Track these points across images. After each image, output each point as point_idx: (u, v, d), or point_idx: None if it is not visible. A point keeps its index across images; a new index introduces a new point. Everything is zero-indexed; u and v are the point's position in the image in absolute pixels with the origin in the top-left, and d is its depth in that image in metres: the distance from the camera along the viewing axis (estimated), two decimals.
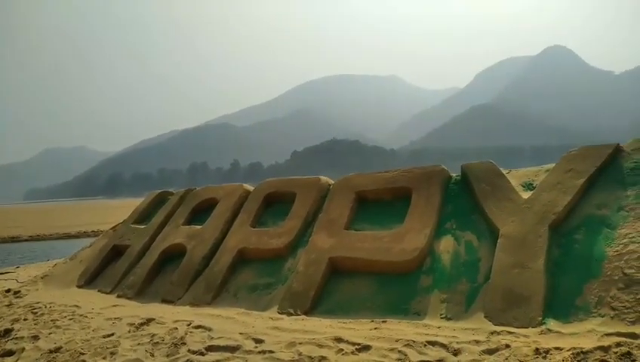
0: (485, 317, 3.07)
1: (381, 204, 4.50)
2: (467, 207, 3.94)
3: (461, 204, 4.00)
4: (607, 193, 3.40)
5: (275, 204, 5.29)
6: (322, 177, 5.10)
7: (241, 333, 3.36)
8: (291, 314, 3.80)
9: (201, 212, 5.85)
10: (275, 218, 5.06)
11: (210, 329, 3.51)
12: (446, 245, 3.76)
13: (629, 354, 2.35)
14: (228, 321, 3.76)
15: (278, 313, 3.89)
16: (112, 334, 3.67)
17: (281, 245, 4.53)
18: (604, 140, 4.37)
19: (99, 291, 5.56)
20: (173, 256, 5.35)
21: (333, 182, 5.04)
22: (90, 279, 5.97)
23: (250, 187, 5.71)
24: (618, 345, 2.45)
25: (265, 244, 4.66)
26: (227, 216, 5.31)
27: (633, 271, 2.87)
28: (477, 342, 2.77)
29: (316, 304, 3.87)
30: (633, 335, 2.51)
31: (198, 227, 5.45)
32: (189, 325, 3.66)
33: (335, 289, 3.96)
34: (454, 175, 4.26)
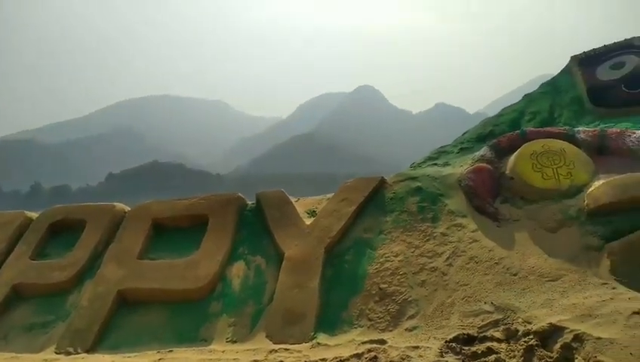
0: (266, 336, 3.28)
1: (179, 231, 4.47)
2: (259, 232, 4.18)
3: (254, 230, 4.21)
4: (372, 219, 3.97)
5: (62, 233, 4.83)
6: (118, 204, 4.85)
7: None
8: (70, 353, 3.50)
9: None
10: (60, 249, 4.61)
11: None
12: (237, 270, 3.91)
13: (375, 358, 2.76)
14: None
15: (55, 353, 3.55)
16: None
17: (64, 278, 4.14)
18: (401, 168, 5.05)
19: None
20: None
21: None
22: None
23: (33, 214, 5.12)
24: (369, 351, 2.85)
25: (45, 279, 4.21)
26: (1, 248, 4.65)
27: (386, 285, 3.39)
28: (255, 361, 2.94)
29: (100, 340, 3.64)
30: (381, 341, 2.95)
31: None
32: None
33: (123, 323, 3.77)
34: (250, 202, 4.48)
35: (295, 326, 3.26)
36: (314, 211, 4.24)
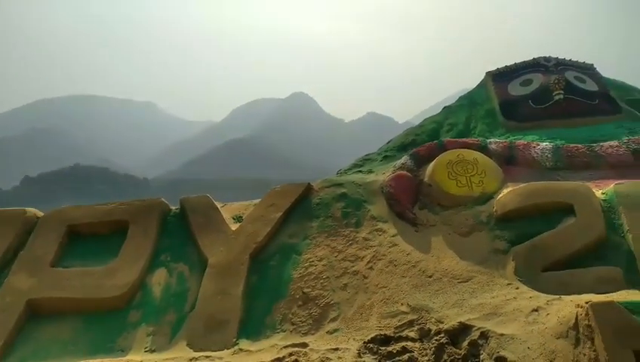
0: (187, 345, 3.21)
1: (97, 238, 4.27)
2: (183, 239, 4.09)
3: (177, 236, 4.12)
4: (298, 224, 4.02)
5: None
6: (30, 209, 4.54)
7: None
8: None
9: None
10: None
11: None
12: (159, 278, 3.80)
13: (296, 361, 2.81)
14: None
15: None
16: None
17: None
18: (333, 175, 5.12)
19: None
20: None
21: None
22: None
23: None
24: (290, 354, 2.89)
25: None
26: None
27: (309, 289, 3.45)
28: None
29: (5, 355, 3.39)
30: (303, 345, 3.00)
31: None
32: None
33: (32, 336, 3.54)
34: (174, 208, 4.38)
35: (217, 333, 3.23)
36: (240, 217, 4.22)
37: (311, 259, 3.68)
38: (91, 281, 3.72)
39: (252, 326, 3.30)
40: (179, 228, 4.18)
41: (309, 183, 4.37)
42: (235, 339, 3.17)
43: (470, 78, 5.94)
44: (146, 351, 3.25)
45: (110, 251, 4.04)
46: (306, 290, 3.45)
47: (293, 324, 3.26)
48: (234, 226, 4.04)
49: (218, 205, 4.31)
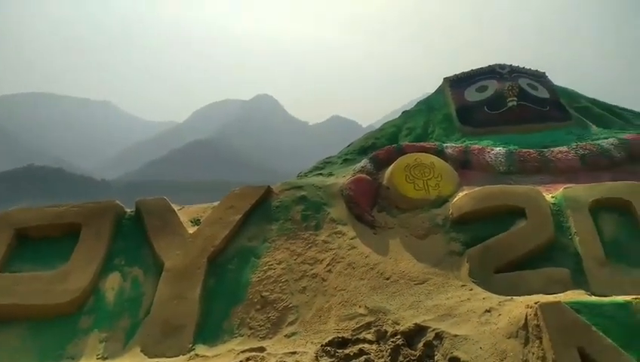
0: (141, 351, 3.13)
1: (47, 241, 4.09)
2: (138, 242, 3.98)
3: (133, 240, 4.00)
4: (258, 227, 3.99)
5: None
6: None
7: None
8: None
9: None
10: None
11: None
12: (112, 282, 3.69)
13: None
14: None
15: None
16: None
17: None
18: (294, 177, 5.09)
19: None
20: None
21: None
22: None
23: None
24: (247, 359, 2.87)
25: None
26: None
27: (268, 293, 3.43)
28: None
29: None
30: (260, 349, 2.98)
31: None
32: None
33: None
34: (129, 210, 4.26)
35: (173, 339, 3.16)
36: (198, 220, 4.14)
37: (270, 263, 3.66)
38: (41, 286, 3.57)
39: (209, 331, 3.25)
40: (134, 232, 4.07)
41: (268, 186, 4.34)
42: (191, 345, 3.11)
43: (435, 83, 6.09)
44: (98, 358, 3.15)
45: (61, 255, 3.89)
46: (264, 294, 3.43)
47: (250, 328, 3.23)
48: (191, 229, 3.97)
49: (175, 208, 4.22)
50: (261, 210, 4.14)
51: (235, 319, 3.32)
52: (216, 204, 4.30)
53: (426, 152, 4.44)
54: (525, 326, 2.52)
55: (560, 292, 2.90)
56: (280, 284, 3.49)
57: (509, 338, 2.57)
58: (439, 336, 2.77)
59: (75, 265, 3.72)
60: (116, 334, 3.33)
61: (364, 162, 4.55)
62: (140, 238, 3.99)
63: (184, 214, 4.23)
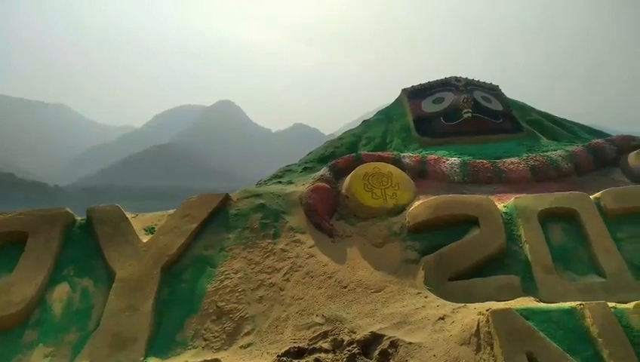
0: None
1: None
2: (89, 251, 3.83)
3: (83, 249, 3.85)
4: (214, 236, 3.92)
5: None
6: None
7: None
8: None
9: None
10: None
11: None
12: (60, 293, 3.53)
13: None
14: None
15: None
16: None
17: None
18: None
19: None
20: None
21: None
22: None
23: None
24: None
25: None
26: None
27: (224, 303, 3.37)
28: None
29: None
30: (215, 361, 2.92)
31: None
32: None
33: None
34: (79, 218, 4.10)
35: (123, 352, 3.04)
36: (152, 228, 4.04)
37: (226, 272, 3.60)
38: None
39: (161, 344, 3.15)
40: (85, 241, 3.91)
41: (227, 194, 4.28)
42: (142, 358, 3.01)
43: (396, 94, 6.18)
44: None
45: (5, 266, 3.70)
46: (220, 304, 3.36)
47: (205, 340, 3.16)
48: (145, 238, 3.85)
49: (129, 216, 4.09)
50: (219, 218, 4.08)
51: (189, 330, 3.24)
52: (171, 211, 4.20)
53: (384, 161, 4.50)
54: (477, 332, 2.57)
55: (511, 299, 2.98)
56: (236, 294, 3.43)
57: (461, 345, 2.62)
58: (394, 344, 2.79)
59: (19, 276, 3.54)
60: (62, 348, 3.18)
61: (323, 170, 4.57)
62: (91, 248, 3.84)
63: (138, 222, 4.11)
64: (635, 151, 4.61)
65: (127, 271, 3.53)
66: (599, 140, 5.01)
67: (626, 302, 2.66)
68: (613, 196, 3.74)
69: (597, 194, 3.79)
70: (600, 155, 4.71)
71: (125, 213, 4.08)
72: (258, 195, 4.32)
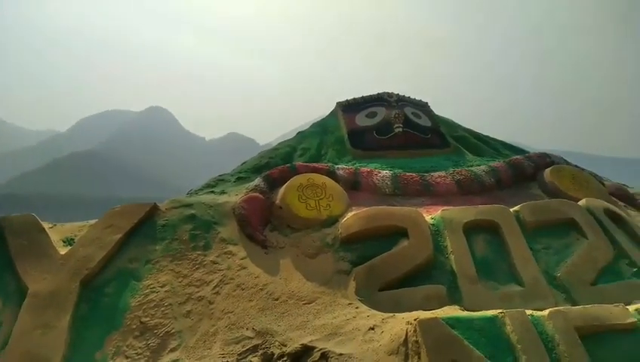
0: None
1: None
2: (0, 265, 3.53)
3: None
4: (140, 247, 3.74)
5: None
6: None
7: None
8: None
9: None
10: None
11: None
12: None
13: None
14: None
15: None
16: None
17: None
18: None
19: None
20: None
21: None
22: None
23: None
24: None
25: None
26: None
27: (148, 318, 3.21)
28: None
29: None
30: None
31: None
32: None
33: None
34: None
35: None
36: (72, 239, 3.78)
37: (152, 286, 3.44)
38: None
39: None
40: None
41: (154, 203, 4.11)
42: None
43: (332, 106, 6.25)
44: None
45: None
46: (144, 319, 3.20)
47: (127, 357, 2.99)
48: (64, 250, 3.61)
49: (46, 226, 3.82)
50: (145, 229, 3.90)
51: (109, 348, 3.05)
52: (93, 222, 3.97)
53: (318, 173, 4.52)
54: (405, 342, 2.62)
55: (437, 308, 3.06)
56: (162, 309, 3.29)
57: (390, 354, 2.65)
58: (325, 356, 2.78)
59: None
60: None
61: (257, 181, 4.51)
62: (2, 261, 3.54)
63: (56, 233, 3.84)
64: (550, 168, 4.96)
65: (42, 286, 3.28)
66: (519, 157, 5.33)
67: (541, 310, 2.82)
68: (530, 209, 3.99)
69: (516, 208, 4.01)
70: (519, 171, 5.01)
71: (42, 222, 3.80)
72: (189, 205, 4.19)
